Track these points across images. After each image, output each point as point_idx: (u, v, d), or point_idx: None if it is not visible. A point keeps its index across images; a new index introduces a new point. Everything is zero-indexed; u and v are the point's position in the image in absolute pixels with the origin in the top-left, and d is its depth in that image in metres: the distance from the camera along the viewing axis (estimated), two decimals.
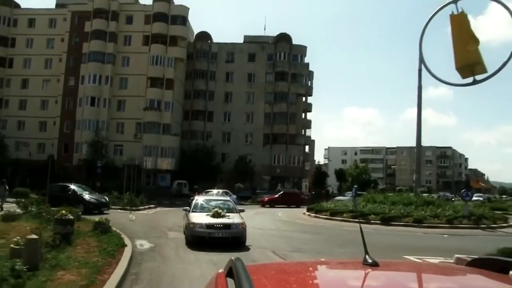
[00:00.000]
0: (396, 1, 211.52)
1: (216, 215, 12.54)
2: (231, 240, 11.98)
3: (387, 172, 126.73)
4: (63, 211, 10.56)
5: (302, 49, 58.66)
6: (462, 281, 1.82)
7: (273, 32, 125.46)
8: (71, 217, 10.33)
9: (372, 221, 21.26)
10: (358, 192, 31.15)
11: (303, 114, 61.16)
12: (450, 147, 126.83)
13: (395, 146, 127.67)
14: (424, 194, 36.62)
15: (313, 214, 25.65)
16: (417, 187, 26.92)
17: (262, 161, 54.12)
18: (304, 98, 60.94)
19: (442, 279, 1.90)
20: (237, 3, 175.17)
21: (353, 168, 71.92)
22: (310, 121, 63.23)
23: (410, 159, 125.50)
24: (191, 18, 53.81)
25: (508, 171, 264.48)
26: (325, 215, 24.48)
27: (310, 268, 2.09)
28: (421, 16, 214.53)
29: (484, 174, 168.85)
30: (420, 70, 25.42)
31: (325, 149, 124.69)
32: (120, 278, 6.95)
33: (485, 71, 23.23)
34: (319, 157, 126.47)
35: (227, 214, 12.76)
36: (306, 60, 59.99)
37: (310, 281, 1.82)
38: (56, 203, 17.44)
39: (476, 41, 23.05)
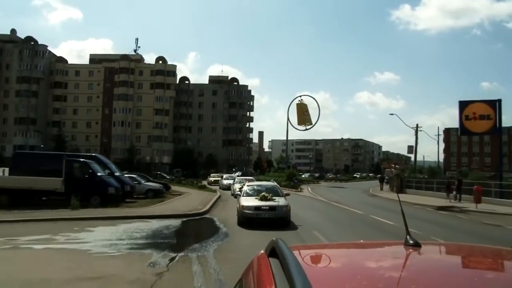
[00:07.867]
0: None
1: (263, 198, 14.20)
2: (277, 220, 13.55)
3: (316, 158, 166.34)
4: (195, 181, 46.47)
5: (245, 87, 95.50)
6: (507, 264, 1.78)
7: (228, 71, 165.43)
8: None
9: None
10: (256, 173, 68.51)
11: (248, 124, 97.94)
12: (362, 139, 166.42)
13: (321, 138, 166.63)
14: (306, 174, 75.18)
15: None
16: (285, 168, 63.57)
17: (222, 156, 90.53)
18: (248, 113, 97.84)
19: (486, 261, 1.89)
20: (203, 53, 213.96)
21: (279, 158, 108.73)
22: (252, 129, 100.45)
23: (333, 149, 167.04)
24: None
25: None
26: None
27: (353, 249, 2.18)
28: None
29: (409, 158, 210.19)
30: (287, 124, 61.93)
31: (269, 141, 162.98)
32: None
33: (310, 124, 60.34)
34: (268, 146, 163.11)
35: (274, 197, 14.43)
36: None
37: (354, 262, 1.85)
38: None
39: (306, 114, 59.95)
